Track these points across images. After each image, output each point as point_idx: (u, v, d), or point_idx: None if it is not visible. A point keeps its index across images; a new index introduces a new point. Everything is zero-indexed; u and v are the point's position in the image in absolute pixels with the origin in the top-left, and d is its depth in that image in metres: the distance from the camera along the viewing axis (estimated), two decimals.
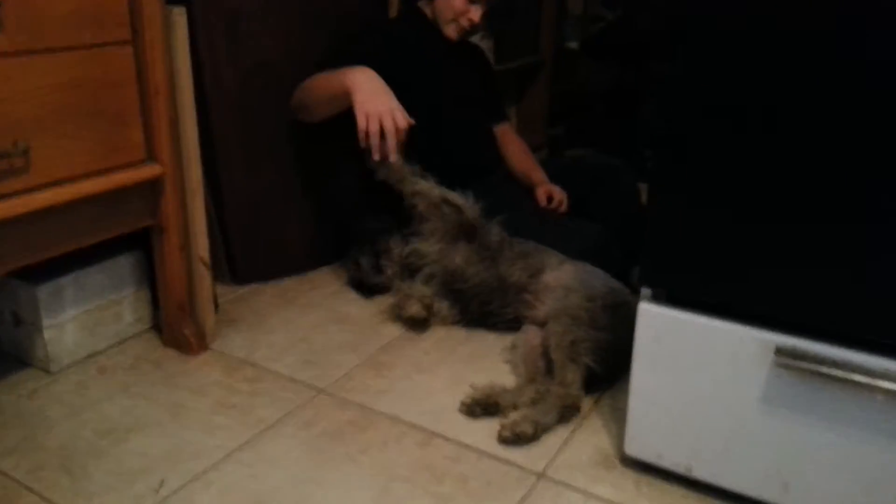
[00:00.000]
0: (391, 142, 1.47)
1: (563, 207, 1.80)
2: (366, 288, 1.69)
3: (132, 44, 1.26)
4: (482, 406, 1.26)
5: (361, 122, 1.47)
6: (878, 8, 0.81)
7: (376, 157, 1.49)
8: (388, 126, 1.47)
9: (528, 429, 1.19)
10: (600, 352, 1.30)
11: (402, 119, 1.48)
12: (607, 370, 1.32)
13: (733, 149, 0.94)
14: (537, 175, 1.87)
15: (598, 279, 1.44)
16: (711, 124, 0.95)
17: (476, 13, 1.74)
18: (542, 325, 1.41)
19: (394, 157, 1.49)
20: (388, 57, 1.65)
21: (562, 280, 1.44)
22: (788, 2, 0.86)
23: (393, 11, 1.98)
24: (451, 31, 1.79)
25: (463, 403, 1.27)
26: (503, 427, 1.19)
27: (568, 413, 1.24)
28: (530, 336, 1.42)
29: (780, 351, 0.96)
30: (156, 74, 1.28)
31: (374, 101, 1.48)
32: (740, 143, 0.93)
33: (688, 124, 0.97)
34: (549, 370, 1.32)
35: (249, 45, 1.62)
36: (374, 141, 1.47)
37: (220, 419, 1.24)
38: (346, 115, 1.55)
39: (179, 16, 1.32)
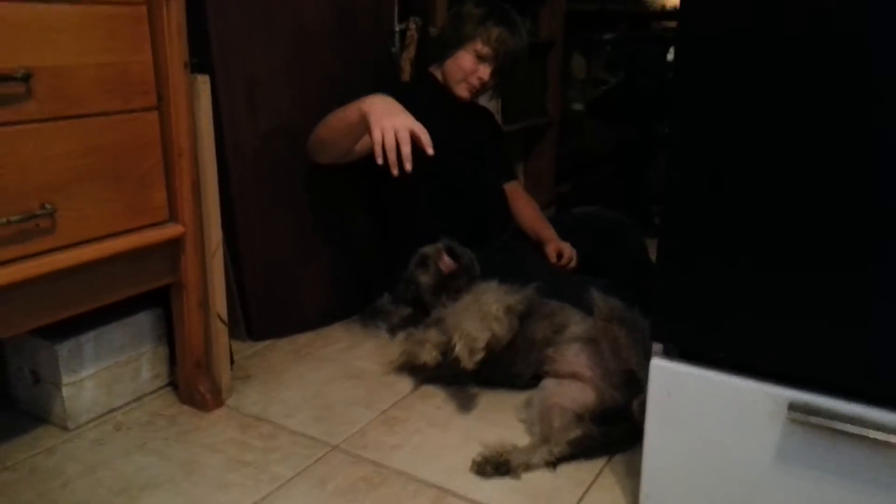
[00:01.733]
0: (405, 150, 1.42)
1: (573, 264, 1.82)
2: (422, 306, 1.66)
3: (158, 110, 1.31)
4: (493, 465, 1.25)
5: (377, 135, 1.43)
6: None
7: (394, 171, 1.43)
8: (403, 136, 1.43)
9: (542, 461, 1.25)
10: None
11: (419, 128, 1.45)
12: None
13: (740, 204, 0.96)
14: (547, 232, 1.90)
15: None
16: (716, 181, 0.98)
17: (485, 71, 1.81)
18: (562, 377, 1.41)
19: (408, 166, 1.43)
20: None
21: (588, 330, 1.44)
22: (776, 65, 0.90)
23: (405, 77, 2.05)
24: (461, 91, 1.84)
25: (474, 462, 1.26)
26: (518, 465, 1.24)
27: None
28: (547, 393, 1.40)
29: (793, 407, 0.96)
30: (180, 138, 1.33)
31: (388, 117, 1.46)
32: (747, 199, 0.96)
33: (692, 182, 1.00)
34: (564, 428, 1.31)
35: (268, 109, 1.68)
36: (391, 155, 1.42)
37: (234, 476, 1.24)
38: (364, 164, 1.62)
39: (203, 83, 1.38)
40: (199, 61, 1.45)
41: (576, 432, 1.27)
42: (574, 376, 1.40)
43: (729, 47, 0.93)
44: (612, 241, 1.86)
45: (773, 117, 0.92)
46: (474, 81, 1.83)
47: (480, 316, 1.38)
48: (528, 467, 1.26)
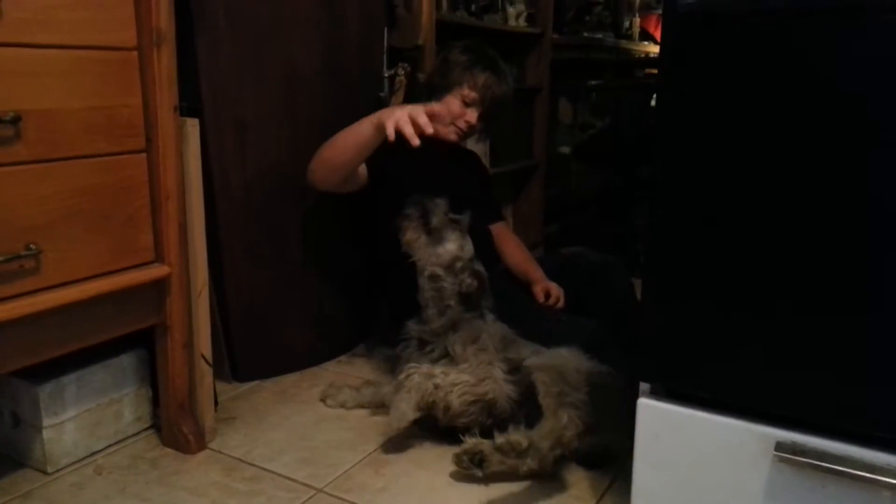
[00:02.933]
0: (421, 119, 1.46)
1: (561, 304, 1.83)
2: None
3: (146, 152, 1.32)
4: (469, 455, 1.29)
5: (390, 129, 1.47)
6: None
7: (415, 141, 1.46)
8: (413, 113, 1.47)
9: (521, 440, 1.21)
10: (585, 418, 1.29)
11: (422, 109, 1.48)
12: (593, 454, 1.31)
13: (723, 245, 0.98)
14: (534, 272, 1.90)
15: (583, 361, 1.43)
16: (699, 222, 0.99)
17: (472, 115, 1.83)
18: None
19: (430, 130, 1.46)
20: (387, 158, 1.72)
21: (546, 357, 1.44)
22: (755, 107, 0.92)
23: None
24: (449, 134, 1.86)
25: (454, 454, 1.32)
26: (497, 436, 1.23)
27: (559, 448, 1.25)
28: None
29: (780, 446, 0.96)
30: (168, 181, 1.34)
31: (394, 110, 1.52)
32: (730, 240, 0.97)
33: (676, 224, 1.01)
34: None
35: (257, 152, 1.69)
36: (407, 129, 1.46)
37: None
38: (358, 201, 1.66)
39: (193, 126, 1.39)
40: (189, 105, 1.47)
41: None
42: None
43: (708, 92, 0.95)
44: (600, 281, 1.87)
45: (754, 160, 0.93)
46: (461, 125, 1.85)
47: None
48: (503, 463, 1.29)
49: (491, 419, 1.43)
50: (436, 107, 1.54)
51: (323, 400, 1.66)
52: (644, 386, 1.08)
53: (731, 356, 0.99)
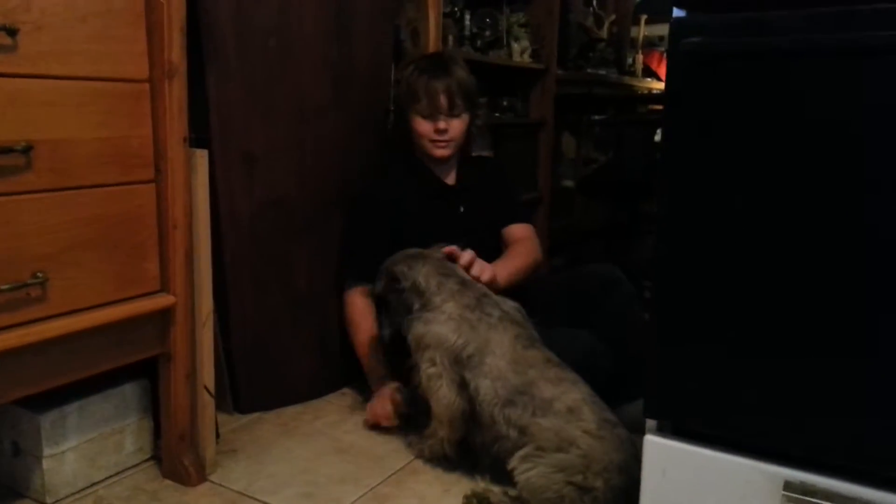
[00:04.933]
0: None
1: (464, 261, 1.63)
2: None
3: (155, 182, 1.33)
4: (479, 498, 1.31)
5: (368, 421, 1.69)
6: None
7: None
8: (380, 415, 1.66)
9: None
10: None
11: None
12: None
13: (730, 282, 0.98)
14: (500, 262, 1.77)
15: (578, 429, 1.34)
16: (704, 260, 0.99)
17: (440, 124, 1.78)
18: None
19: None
20: (383, 224, 1.80)
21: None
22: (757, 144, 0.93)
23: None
24: (436, 152, 1.82)
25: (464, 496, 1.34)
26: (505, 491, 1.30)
27: None
28: None
29: (788, 486, 0.95)
30: (175, 211, 1.35)
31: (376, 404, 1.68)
32: (737, 277, 0.97)
33: (681, 261, 1.01)
34: None
35: (264, 183, 1.71)
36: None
37: None
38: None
39: (202, 158, 1.40)
40: (198, 136, 1.49)
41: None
42: None
43: (711, 129, 0.96)
44: (604, 291, 1.78)
45: (756, 197, 0.94)
46: (438, 137, 1.81)
47: None
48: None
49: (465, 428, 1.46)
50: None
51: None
52: (651, 423, 1.07)
53: (738, 394, 0.99)
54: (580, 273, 1.89)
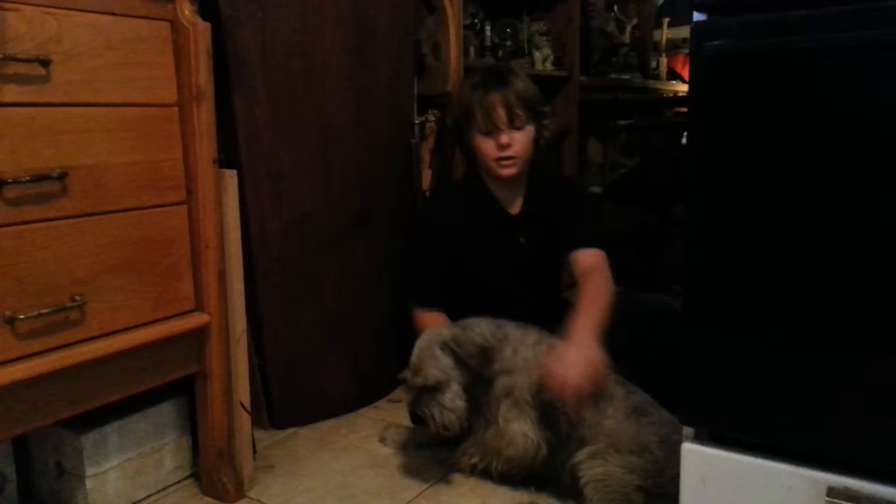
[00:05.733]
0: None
1: (569, 402, 1.39)
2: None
3: (187, 204, 1.35)
4: None
5: None
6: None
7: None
8: None
9: None
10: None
11: None
12: None
13: (764, 285, 0.96)
14: (578, 326, 1.49)
15: (651, 437, 1.34)
16: (737, 262, 0.98)
17: (503, 140, 1.67)
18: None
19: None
20: (440, 249, 1.75)
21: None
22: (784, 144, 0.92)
23: (425, 167, 2.10)
24: (503, 172, 1.71)
25: None
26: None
27: None
28: None
29: (832, 492, 0.93)
30: (207, 231, 1.37)
31: None
32: (771, 280, 0.96)
33: (713, 264, 1.00)
34: None
35: (292, 200, 1.73)
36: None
37: None
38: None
39: (231, 178, 1.43)
40: (227, 156, 1.51)
41: None
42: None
43: (737, 131, 0.95)
44: (659, 325, 1.67)
45: (785, 197, 0.93)
46: (501, 154, 1.69)
47: None
48: None
49: (534, 468, 1.43)
50: None
51: (382, 440, 1.67)
52: (688, 430, 1.06)
53: (776, 398, 0.97)
54: (635, 304, 1.75)
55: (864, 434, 0.92)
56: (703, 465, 1.03)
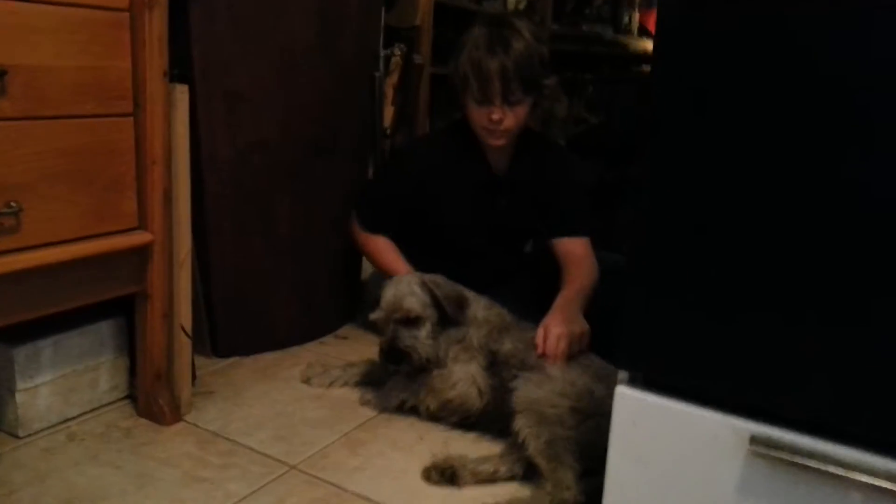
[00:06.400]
0: None
1: (557, 359, 1.43)
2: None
3: (133, 116, 1.30)
4: (439, 471, 1.27)
5: None
6: None
7: None
8: None
9: (490, 468, 1.27)
10: (577, 450, 1.27)
11: None
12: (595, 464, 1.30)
13: (706, 237, 0.97)
14: (558, 311, 1.52)
15: (584, 376, 1.39)
16: (683, 215, 0.98)
17: (496, 112, 1.58)
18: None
19: None
20: (406, 185, 1.72)
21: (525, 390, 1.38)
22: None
23: (388, 102, 2.06)
24: (493, 141, 1.64)
25: (423, 469, 1.30)
26: (469, 464, 1.29)
27: None
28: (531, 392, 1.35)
29: (755, 440, 0.96)
30: (154, 146, 1.32)
31: None
32: (713, 233, 0.97)
33: (660, 215, 1.00)
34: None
35: (248, 124, 1.67)
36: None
37: (188, 492, 1.21)
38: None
39: (182, 93, 1.37)
40: (180, 72, 1.45)
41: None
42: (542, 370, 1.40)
43: (701, 85, 0.95)
44: (607, 283, 1.67)
45: (743, 155, 0.93)
46: (493, 127, 1.60)
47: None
48: (476, 476, 1.28)
49: (469, 416, 1.45)
50: None
51: (306, 381, 1.64)
52: (622, 374, 1.08)
53: (709, 347, 0.99)
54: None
55: (787, 386, 0.95)
56: (634, 408, 1.05)
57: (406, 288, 1.48)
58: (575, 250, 1.70)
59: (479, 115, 1.61)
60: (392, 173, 1.81)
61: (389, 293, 1.48)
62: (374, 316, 1.50)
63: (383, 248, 1.75)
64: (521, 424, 1.28)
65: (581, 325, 1.47)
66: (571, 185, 1.78)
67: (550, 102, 1.78)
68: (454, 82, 1.66)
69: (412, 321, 1.45)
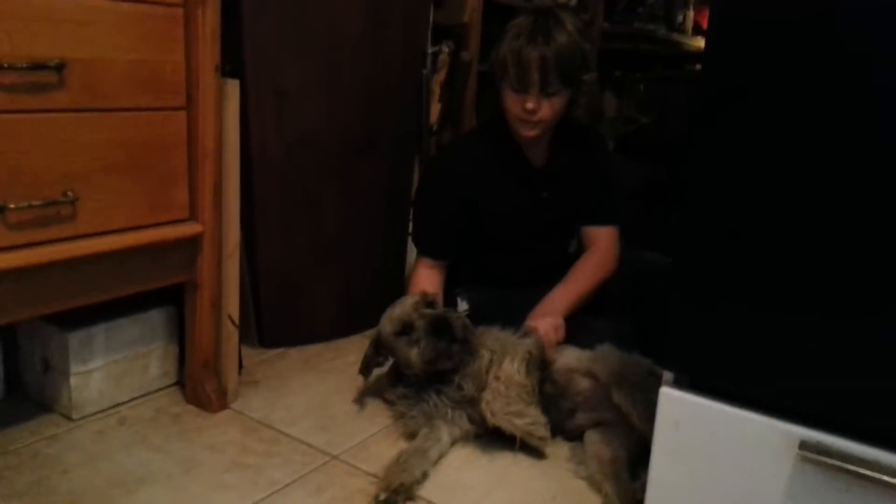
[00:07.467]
0: None
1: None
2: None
3: (186, 110, 1.33)
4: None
5: None
6: None
7: None
8: None
9: None
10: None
11: None
12: None
13: (757, 241, 0.95)
14: (555, 297, 1.63)
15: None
16: (732, 218, 0.96)
17: (530, 101, 1.55)
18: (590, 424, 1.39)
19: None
20: (456, 200, 1.68)
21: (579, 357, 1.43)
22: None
23: (434, 99, 2.05)
24: (525, 132, 1.62)
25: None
26: None
27: None
28: (598, 446, 1.34)
29: (804, 445, 0.93)
30: (205, 140, 1.35)
31: None
32: (764, 236, 0.94)
33: (709, 217, 0.98)
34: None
35: (296, 120, 1.70)
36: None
37: (232, 478, 1.23)
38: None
39: (233, 87, 1.40)
40: (232, 67, 1.48)
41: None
42: (603, 422, 1.38)
43: (751, 87, 0.92)
44: (645, 285, 1.64)
45: (791, 160, 0.90)
46: (527, 117, 1.58)
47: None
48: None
49: None
50: None
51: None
52: (668, 375, 1.06)
53: (758, 350, 0.97)
54: (633, 261, 1.77)
55: (839, 391, 0.92)
56: (678, 410, 1.03)
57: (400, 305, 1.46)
58: (599, 240, 1.73)
59: (514, 104, 1.59)
60: (436, 191, 1.74)
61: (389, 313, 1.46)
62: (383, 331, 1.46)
63: (420, 278, 1.68)
64: (620, 396, 1.30)
65: (555, 324, 1.55)
66: (604, 174, 1.78)
67: (589, 99, 1.78)
68: (493, 70, 1.66)
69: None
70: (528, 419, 1.31)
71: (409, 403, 1.41)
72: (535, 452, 1.35)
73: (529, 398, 1.34)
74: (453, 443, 1.38)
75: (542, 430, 1.32)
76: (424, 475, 1.26)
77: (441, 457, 1.33)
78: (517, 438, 1.32)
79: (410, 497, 1.20)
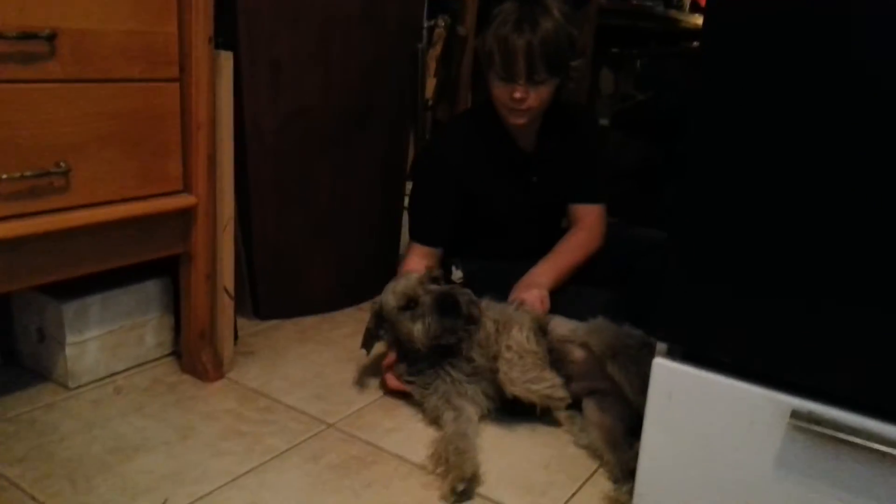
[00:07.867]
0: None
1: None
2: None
3: (179, 81, 1.33)
4: None
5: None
6: None
7: None
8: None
9: None
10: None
11: None
12: None
13: (750, 211, 0.95)
14: (539, 271, 1.63)
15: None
16: (727, 190, 0.96)
17: (519, 90, 1.55)
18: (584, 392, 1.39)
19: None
20: (449, 187, 1.68)
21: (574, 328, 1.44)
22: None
23: (430, 73, 2.04)
24: (515, 120, 1.62)
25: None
26: None
27: None
28: (596, 415, 1.36)
29: (795, 414, 0.95)
30: (199, 111, 1.35)
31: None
32: (757, 207, 0.95)
33: (704, 188, 0.98)
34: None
35: (290, 93, 1.69)
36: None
37: (229, 445, 1.24)
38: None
39: (226, 59, 1.39)
40: (225, 40, 1.47)
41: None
42: (597, 390, 1.39)
43: (750, 66, 0.92)
44: (642, 259, 1.67)
45: (788, 137, 0.91)
46: (516, 106, 1.57)
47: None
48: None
49: None
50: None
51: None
52: (661, 346, 1.07)
53: (750, 321, 0.97)
54: (626, 235, 1.78)
55: (831, 362, 0.93)
56: (670, 380, 1.04)
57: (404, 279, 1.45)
58: (585, 217, 1.74)
59: (501, 92, 1.58)
60: (429, 180, 1.74)
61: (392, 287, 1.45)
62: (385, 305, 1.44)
63: (412, 265, 1.65)
64: (614, 369, 1.31)
65: (540, 295, 1.56)
66: (593, 152, 1.78)
67: (574, 83, 1.76)
68: (481, 58, 1.64)
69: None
70: (547, 383, 1.31)
71: (426, 381, 1.40)
72: (532, 419, 1.37)
73: (543, 364, 1.35)
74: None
75: (562, 391, 1.31)
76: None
77: (477, 436, 1.32)
78: (537, 408, 1.34)
79: (479, 482, 1.19)
